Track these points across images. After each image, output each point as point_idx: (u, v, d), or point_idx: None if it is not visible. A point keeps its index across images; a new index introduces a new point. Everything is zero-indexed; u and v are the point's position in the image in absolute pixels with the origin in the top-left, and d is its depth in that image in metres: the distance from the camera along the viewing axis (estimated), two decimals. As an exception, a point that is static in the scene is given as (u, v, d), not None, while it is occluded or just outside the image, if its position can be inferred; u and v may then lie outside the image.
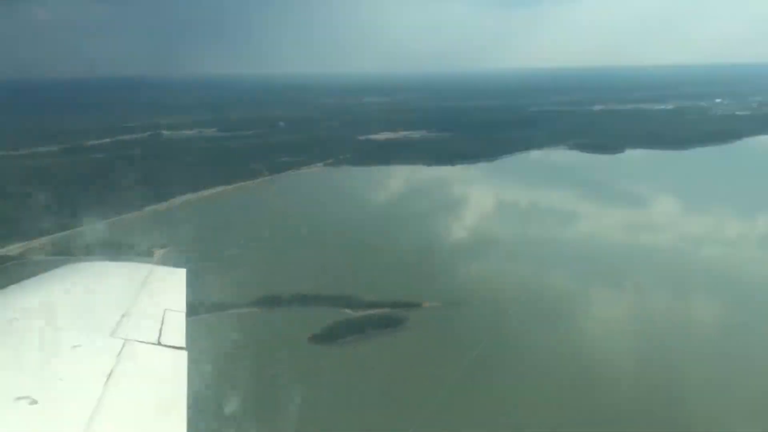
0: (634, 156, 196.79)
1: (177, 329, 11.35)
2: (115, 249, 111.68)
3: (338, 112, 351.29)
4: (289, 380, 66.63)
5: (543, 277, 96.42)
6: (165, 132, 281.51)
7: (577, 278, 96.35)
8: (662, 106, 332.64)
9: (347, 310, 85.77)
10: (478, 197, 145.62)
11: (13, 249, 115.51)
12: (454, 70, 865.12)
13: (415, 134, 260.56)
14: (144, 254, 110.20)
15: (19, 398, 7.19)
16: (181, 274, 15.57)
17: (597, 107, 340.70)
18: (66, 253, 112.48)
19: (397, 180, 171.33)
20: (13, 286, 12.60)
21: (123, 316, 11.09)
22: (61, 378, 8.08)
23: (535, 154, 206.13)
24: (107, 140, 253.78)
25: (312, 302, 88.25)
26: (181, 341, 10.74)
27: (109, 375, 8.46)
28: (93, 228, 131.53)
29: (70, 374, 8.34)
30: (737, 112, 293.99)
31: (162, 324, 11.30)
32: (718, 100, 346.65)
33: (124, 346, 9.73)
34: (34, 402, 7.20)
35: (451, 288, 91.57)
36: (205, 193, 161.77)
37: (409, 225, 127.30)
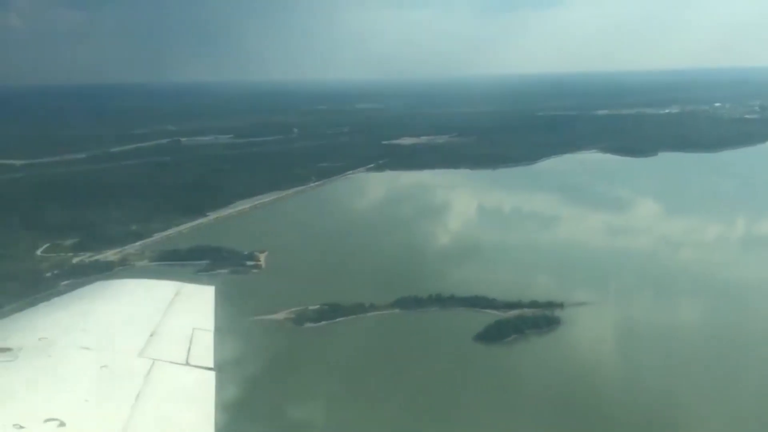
0: (673, 159, 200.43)
1: (205, 349, 11.42)
2: (216, 253, 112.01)
3: (342, 118, 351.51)
4: (488, 376, 67.51)
5: (662, 275, 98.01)
6: (182, 139, 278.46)
7: (688, 273, 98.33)
8: (667, 110, 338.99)
9: (490, 311, 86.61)
10: (549, 199, 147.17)
11: (110, 255, 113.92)
12: (440, 77, 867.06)
13: (439, 139, 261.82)
14: (248, 258, 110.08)
15: (47, 420, 7.23)
16: (209, 291, 15.59)
17: (602, 112, 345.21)
18: (166, 259, 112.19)
19: (455, 183, 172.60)
20: (43, 304, 12.86)
21: (152, 335, 11.21)
22: (89, 399, 8.10)
23: (572, 158, 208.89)
24: (128, 147, 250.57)
25: (449, 304, 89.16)
26: (209, 361, 10.80)
27: (137, 396, 8.51)
28: (179, 233, 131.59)
29: (99, 395, 8.35)
30: (745, 116, 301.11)
31: (190, 343, 11.40)
32: (717, 104, 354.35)
33: (152, 366, 9.81)
34: (63, 424, 7.20)
35: (579, 287, 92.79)
36: (265, 198, 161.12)
37: (499, 225, 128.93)
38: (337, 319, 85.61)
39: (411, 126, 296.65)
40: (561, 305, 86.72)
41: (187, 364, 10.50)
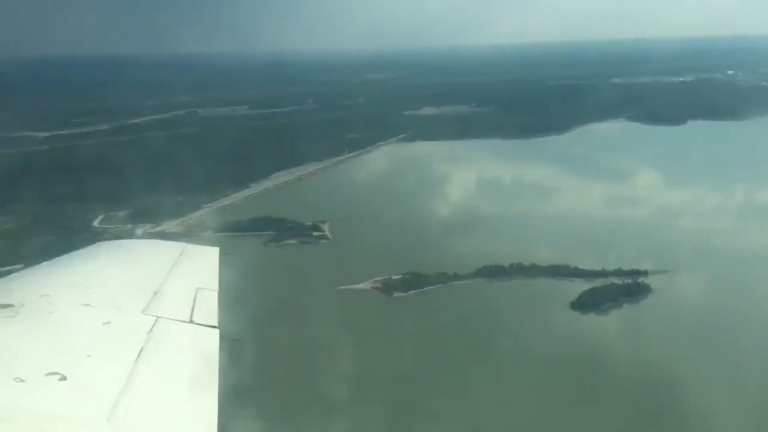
0: (704, 127, 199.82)
1: (209, 307, 11.29)
2: (280, 224, 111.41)
3: (353, 89, 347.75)
4: (600, 345, 67.57)
5: (735, 241, 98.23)
6: (199, 110, 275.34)
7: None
8: (681, 78, 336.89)
9: (575, 279, 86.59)
10: (595, 167, 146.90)
11: (172, 226, 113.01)
12: (437, 46, 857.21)
13: (460, 109, 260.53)
14: (313, 229, 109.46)
15: (48, 374, 7.24)
16: (214, 252, 15.45)
17: (616, 80, 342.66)
18: (229, 230, 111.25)
19: (493, 153, 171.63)
20: (45, 263, 12.74)
21: (155, 293, 11.10)
22: (91, 354, 8.10)
23: (602, 127, 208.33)
24: (147, 119, 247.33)
25: (532, 272, 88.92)
26: (213, 320, 10.68)
27: (140, 352, 8.48)
28: (231, 204, 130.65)
29: (100, 351, 8.36)
30: (763, 83, 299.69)
31: (194, 302, 11.29)
32: (730, 72, 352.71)
33: (155, 323, 9.73)
34: (64, 378, 7.23)
35: (655, 255, 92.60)
36: (302, 170, 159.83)
37: (553, 194, 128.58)
38: (425, 288, 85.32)
39: (428, 96, 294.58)
40: (645, 273, 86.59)
41: (191, 321, 10.34)
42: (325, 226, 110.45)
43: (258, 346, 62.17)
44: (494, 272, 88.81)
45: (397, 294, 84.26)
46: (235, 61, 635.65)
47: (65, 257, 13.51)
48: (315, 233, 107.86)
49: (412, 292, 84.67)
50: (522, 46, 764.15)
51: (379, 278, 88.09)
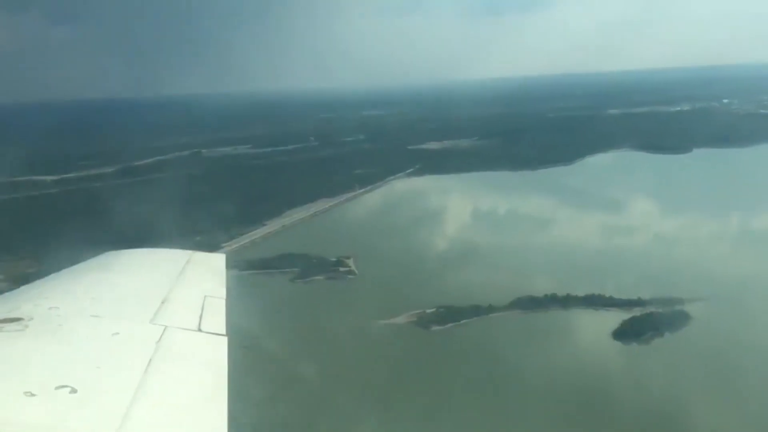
0: (710, 155, 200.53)
1: (217, 315, 11.24)
2: (304, 260, 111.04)
3: (353, 125, 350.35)
4: (651, 375, 66.76)
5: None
6: (203, 150, 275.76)
7: None
8: (678, 108, 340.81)
9: (612, 309, 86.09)
10: (611, 196, 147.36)
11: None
12: (431, 82, 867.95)
13: (463, 143, 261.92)
14: (338, 265, 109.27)
15: (58, 387, 7.25)
16: (220, 259, 15.41)
17: (614, 111, 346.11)
18: (255, 267, 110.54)
19: (505, 185, 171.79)
20: (52, 275, 12.63)
21: (163, 302, 11.08)
22: (101, 366, 8.08)
23: (609, 157, 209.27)
24: (151, 160, 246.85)
25: (567, 303, 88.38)
26: (222, 328, 10.63)
27: (149, 362, 8.51)
28: (251, 242, 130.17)
29: (110, 362, 8.37)
30: (760, 111, 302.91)
31: (202, 310, 11.24)
32: (725, 101, 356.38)
33: (164, 333, 9.72)
34: (74, 391, 7.23)
35: (688, 283, 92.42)
36: (316, 207, 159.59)
37: (572, 224, 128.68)
38: (461, 321, 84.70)
39: (428, 131, 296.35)
40: (681, 301, 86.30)
41: (200, 330, 10.25)
42: (350, 261, 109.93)
43: (320, 383, 61.85)
44: (529, 304, 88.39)
45: (435, 327, 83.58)
46: (233, 100, 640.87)
47: (73, 268, 13.14)
48: (341, 269, 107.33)
49: (450, 325, 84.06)
50: (512, 79, 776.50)
51: (413, 312, 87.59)
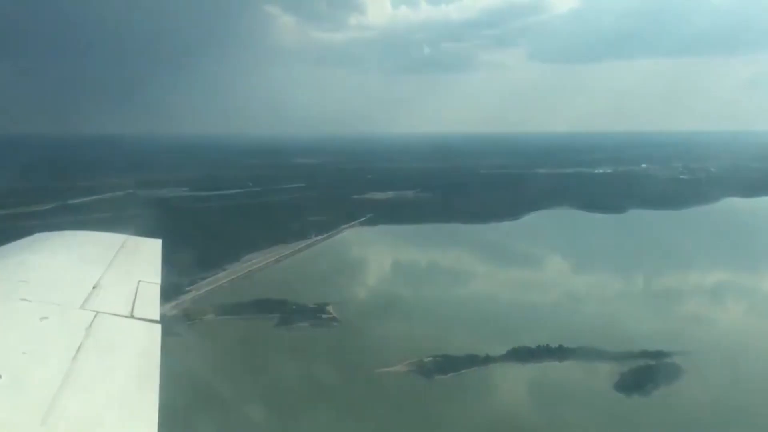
0: (646, 216, 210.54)
1: (151, 302, 11.07)
2: (282, 306, 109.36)
3: (290, 173, 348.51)
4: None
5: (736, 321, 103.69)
6: (138, 191, 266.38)
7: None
8: (601, 170, 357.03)
9: (606, 362, 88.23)
10: (568, 253, 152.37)
11: (167, 310, 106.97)
12: (357, 134, 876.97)
13: (406, 194, 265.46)
14: (319, 311, 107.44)
15: None
16: (156, 244, 15.23)
17: (541, 170, 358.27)
18: (231, 313, 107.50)
19: (462, 237, 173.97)
20: None
21: (94, 287, 10.89)
22: (27, 352, 7.89)
23: (551, 214, 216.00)
24: (86, 200, 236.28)
25: (559, 355, 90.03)
26: (155, 314, 10.46)
27: (78, 348, 8.31)
28: (218, 287, 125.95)
29: (37, 348, 8.16)
30: (680, 176, 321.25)
31: (135, 296, 11.08)
32: (644, 165, 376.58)
33: (94, 318, 9.50)
34: None
35: (669, 335, 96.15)
36: (275, 252, 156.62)
37: (539, 276, 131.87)
38: (462, 371, 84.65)
39: (367, 181, 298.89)
40: (668, 354, 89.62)
41: (132, 316, 10.10)
42: (330, 308, 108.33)
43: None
44: (524, 355, 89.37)
45: (438, 377, 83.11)
46: (156, 142, 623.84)
47: (1, 249, 12.76)
48: (323, 315, 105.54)
49: (450, 374, 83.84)
50: (433, 136, 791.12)
51: (410, 361, 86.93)
